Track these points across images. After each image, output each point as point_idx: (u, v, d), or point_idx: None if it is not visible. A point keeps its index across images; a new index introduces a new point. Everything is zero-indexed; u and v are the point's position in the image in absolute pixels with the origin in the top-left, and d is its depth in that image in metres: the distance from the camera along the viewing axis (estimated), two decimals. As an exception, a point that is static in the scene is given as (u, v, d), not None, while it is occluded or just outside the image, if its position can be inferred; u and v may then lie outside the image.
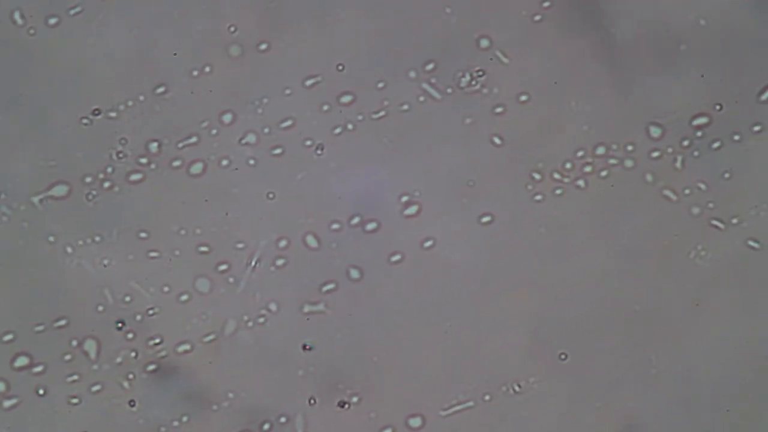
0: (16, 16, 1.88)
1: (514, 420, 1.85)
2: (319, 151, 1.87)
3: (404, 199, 1.86)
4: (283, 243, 1.85)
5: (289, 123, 1.87)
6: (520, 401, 1.84)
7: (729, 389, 1.85)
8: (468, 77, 1.87)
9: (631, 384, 1.85)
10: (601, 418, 1.85)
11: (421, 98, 1.87)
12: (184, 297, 1.85)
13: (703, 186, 1.87)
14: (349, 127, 1.87)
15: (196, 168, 1.86)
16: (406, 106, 1.87)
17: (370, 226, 1.86)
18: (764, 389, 1.85)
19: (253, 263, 1.84)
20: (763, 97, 1.86)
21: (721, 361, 1.85)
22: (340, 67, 1.88)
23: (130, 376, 1.84)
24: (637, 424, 1.85)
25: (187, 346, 1.84)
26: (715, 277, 1.85)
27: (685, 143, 1.87)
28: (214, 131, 1.87)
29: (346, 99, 1.87)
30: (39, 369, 1.83)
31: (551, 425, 1.84)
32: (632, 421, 1.85)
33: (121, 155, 1.86)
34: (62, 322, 1.84)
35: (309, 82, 1.88)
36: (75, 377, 1.83)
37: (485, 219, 1.86)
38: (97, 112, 1.87)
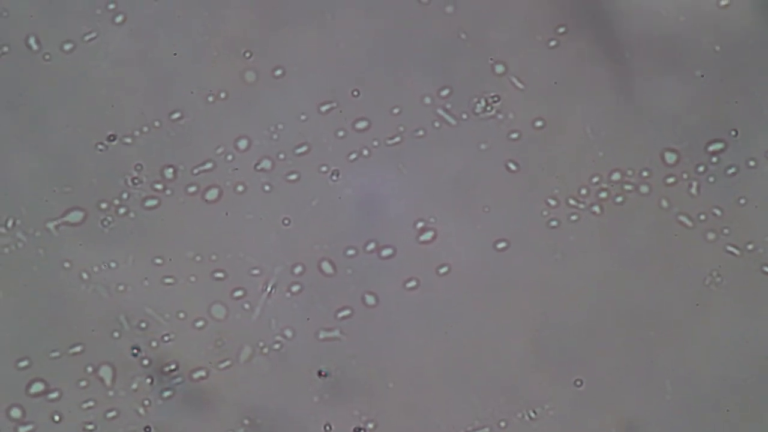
0: (32, 41, 1.88)
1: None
2: (334, 177, 1.87)
3: (419, 224, 1.86)
4: (298, 269, 1.85)
5: (304, 149, 1.87)
6: (536, 428, 1.84)
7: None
8: (483, 103, 1.88)
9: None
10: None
11: (437, 124, 1.88)
12: (200, 323, 1.85)
13: (718, 212, 1.87)
14: (365, 152, 1.87)
15: (212, 194, 1.86)
16: (421, 132, 1.88)
17: (386, 252, 1.86)
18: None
19: (268, 289, 1.84)
20: (779, 123, 1.87)
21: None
22: (356, 93, 1.88)
23: (146, 402, 1.84)
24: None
25: (202, 373, 1.84)
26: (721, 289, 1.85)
27: (701, 169, 1.87)
28: (229, 157, 1.87)
29: (361, 125, 1.88)
30: (54, 395, 1.83)
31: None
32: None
33: (136, 181, 1.86)
34: (78, 348, 1.84)
35: (324, 108, 1.88)
36: (90, 403, 1.83)
37: (501, 245, 1.86)
38: (112, 138, 1.87)
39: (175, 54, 1.85)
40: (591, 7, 1.89)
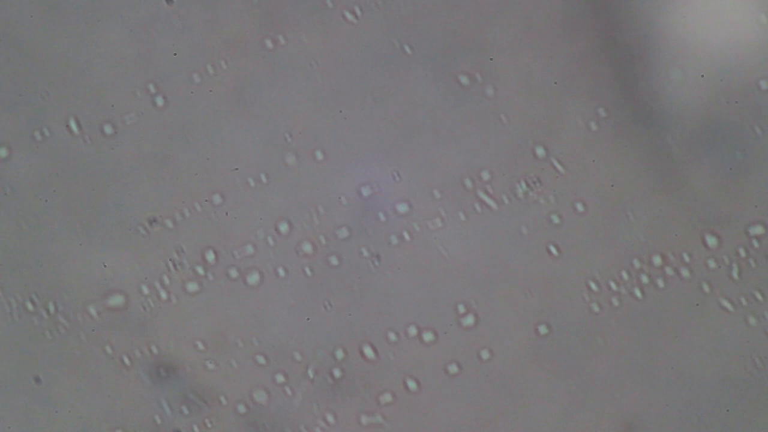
0: (72, 124, 1.88)
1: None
2: (375, 261, 1.87)
3: (461, 308, 1.86)
4: (339, 354, 1.85)
5: (345, 232, 1.87)
6: None
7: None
8: (524, 186, 1.87)
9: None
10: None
11: (478, 207, 1.87)
12: (242, 408, 1.85)
13: (759, 296, 1.87)
14: (406, 236, 1.87)
15: (253, 278, 1.86)
16: (462, 215, 1.87)
17: (427, 337, 1.86)
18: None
19: (310, 374, 1.84)
20: (821, 208, 1.87)
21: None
22: (396, 176, 1.88)
23: (188, 488, 1.84)
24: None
25: (244, 458, 1.84)
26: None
27: (742, 253, 1.87)
28: (270, 241, 1.87)
29: (402, 208, 1.87)
30: (97, 481, 1.84)
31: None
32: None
33: (177, 265, 1.86)
34: (119, 433, 1.84)
35: (365, 191, 1.88)
36: (133, 489, 1.84)
37: (542, 329, 1.86)
38: (153, 221, 1.87)
39: (174, 54, 1.84)
40: (631, 88, 1.89)
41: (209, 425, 1.84)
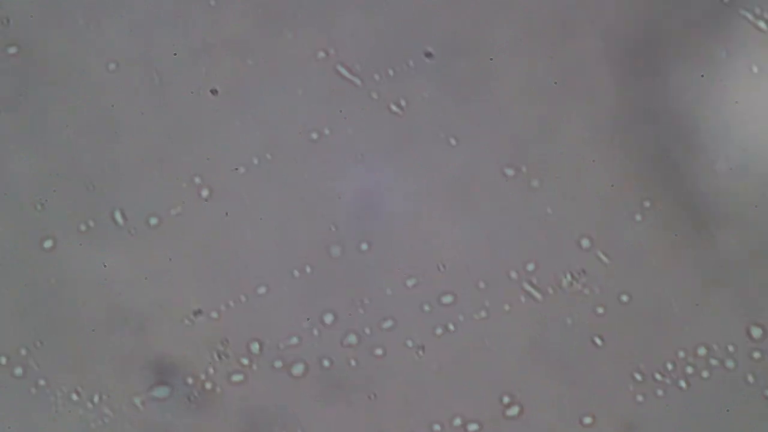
0: (117, 215, 1.88)
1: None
2: (420, 352, 1.87)
3: (506, 399, 1.86)
4: (385, 445, 1.85)
5: (390, 323, 1.87)
6: None
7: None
8: (569, 277, 1.88)
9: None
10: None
11: (522, 299, 1.88)
12: (287, 500, 1.84)
13: (805, 387, 1.87)
14: (451, 327, 1.87)
15: (297, 369, 1.87)
16: (507, 307, 1.88)
17: (472, 428, 1.86)
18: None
19: (355, 466, 1.84)
20: None
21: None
22: (441, 267, 1.88)
23: None
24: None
25: None
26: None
27: (787, 344, 1.88)
28: (315, 332, 1.87)
29: (446, 299, 1.88)
30: None
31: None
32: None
33: (222, 356, 1.86)
34: None
35: (410, 283, 1.88)
36: None
37: (587, 420, 1.86)
38: (198, 312, 1.87)
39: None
40: (675, 181, 1.90)
41: None
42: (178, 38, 1.83)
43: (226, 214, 1.82)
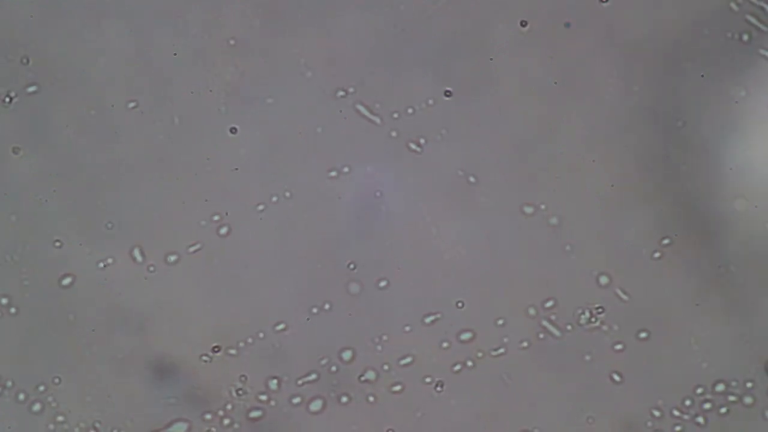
0: (136, 253, 1.88)
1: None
2: (438, 389, 1.87)
3: (524, 436, 1.87)
4: (403, 482, 1.86)
5: (408, 360, 1.88)
6: None
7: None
8: (588, 314, 1.88)
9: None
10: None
11: (541, 335, 1.88)
12: None
13: (822, 424, 1.87)
14: (469, 364, 1.88)
15: (316, 405, 1.87)
16: (525, 343, 1.88)
17: (490, 464, 1.86)
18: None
19: (374, 502, 1.85)
20: None
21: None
22: (460, 304, 1.88)
23: None
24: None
25: None
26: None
27: (805, 381, 1.88)
28: (333, 368, 1.87)
29: (465, 336, 1.88)
30: None
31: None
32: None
33: (240, 392, 1.87)
34: None
35: (428, 319, 1.88)
36: None
37: (605, 457, 1.87)
38: (216, 349, 1.87)
39: (175, 54, 1.84)
40: (695, 218, 1.89)
41: None
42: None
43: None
